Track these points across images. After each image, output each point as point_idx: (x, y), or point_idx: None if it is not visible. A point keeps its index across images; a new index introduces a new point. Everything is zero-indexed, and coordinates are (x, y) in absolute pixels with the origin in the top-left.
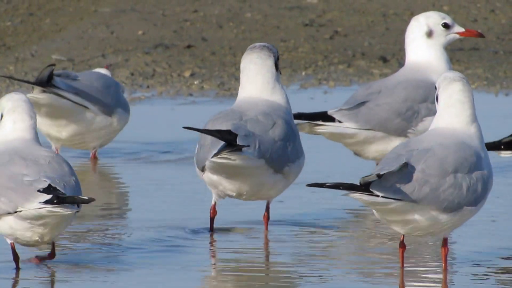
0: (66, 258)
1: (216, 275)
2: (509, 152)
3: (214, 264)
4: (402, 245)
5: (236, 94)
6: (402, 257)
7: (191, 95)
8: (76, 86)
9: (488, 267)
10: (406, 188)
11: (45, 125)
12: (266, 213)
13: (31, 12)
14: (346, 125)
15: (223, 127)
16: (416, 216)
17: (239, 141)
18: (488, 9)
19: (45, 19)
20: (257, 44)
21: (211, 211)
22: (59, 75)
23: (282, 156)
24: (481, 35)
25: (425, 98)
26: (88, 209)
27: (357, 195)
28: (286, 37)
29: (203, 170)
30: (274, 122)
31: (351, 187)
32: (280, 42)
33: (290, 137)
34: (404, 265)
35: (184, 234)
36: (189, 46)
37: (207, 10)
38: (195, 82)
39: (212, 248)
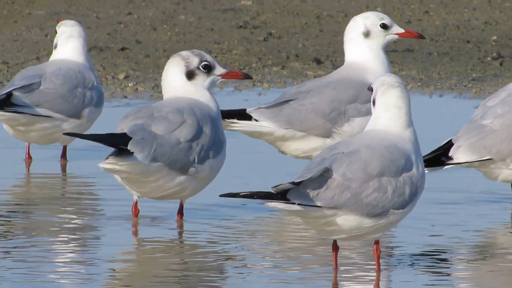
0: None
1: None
2: (429, 168)
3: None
4: (335, 247)
5: None
6: (336, 258)
7: (125, 97)
8: (37, 97)
9: (421, 268)
10: (326, 194)
11: (10, 130)
12: (178, 214)
13: None
14: (262, 124)
15: (125, 128)
16: (340, 222)
17: (131, 146)
18: (422, 11)
19: None
20: (183, 51)
21: (133, 210)
22: (22, 87)
23: (186, 157)
24: (421, 36)
25: (355, 98)
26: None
27: (273, 204)
28: (220, 39)
29: None
30: (184, 120)
31: (266, 196)
32: (214, 44)
33: (201, 137)
34: (338, 266)
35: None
36: (123, 49)
37: (141, 12)
38: (130, 85)
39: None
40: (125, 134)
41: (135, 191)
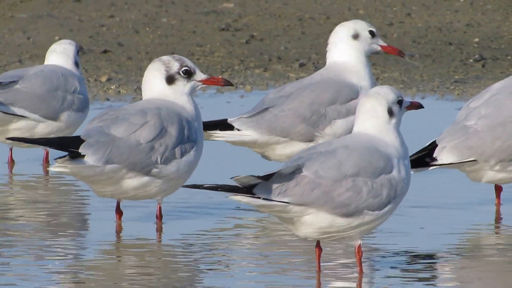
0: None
1: None
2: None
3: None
4: (319, 249)
5: None
6: (319, 259)
7: (108, 99)
8: (12, 95)
9: (404, 270)
10: (295, 190)
11: None
12: (157, 213)
13: None
14: (244, 133)
15: (82, 132)
16: (310, 220)
17: (82, 149)
18: (404, 13)
19: None
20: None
21: (116, 211)
22: None
23: (147, 158)
24: (400, 54)
25: (334, 100)
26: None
27: (238, 198)
28: (202, 42)
29: None
30: (146, 121)
31: (231, 189)
32: (196, 46)
33: (164, 137)
34: (321, 267)
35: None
36: (105, 51)
37: (123, 15)
38: (112, 87)
39: None
40: (78, 137)
41: (99, 192)
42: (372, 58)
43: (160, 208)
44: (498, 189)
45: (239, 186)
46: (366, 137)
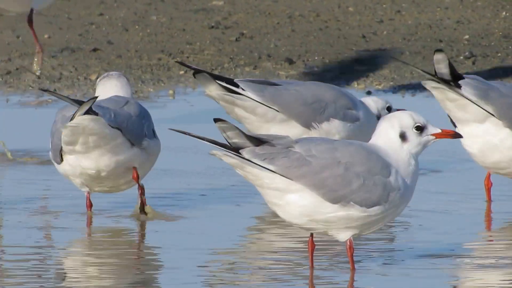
0: None
1: None
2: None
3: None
4: (311, 244)
5: (143, 97)
6: (312, 256)
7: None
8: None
9: (399, 267)
10: (282, 161)
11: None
12: (140, 213)
13: None
14: (249, 95)
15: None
16: (295, 199)
17: (94, 108)
18: (394, 10)
19: None
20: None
21: (87, 203)
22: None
23: (139, 129)
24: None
25: (335, 99)
26: None
27: (221, 153)
28: (192, 40)
29: (61, 157)
30: (127, 101)
31: (216, 143)
32: (186, 44)
33: (146, 117)
34: (314, 264)
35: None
36: (95, 49)
37: (113, 13)
38: None
39: None
40: (82, 101)
41: (88, 168)
42: (361, 55)
43: (142, 201)
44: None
45: (226, 144)
46: (372, 145)
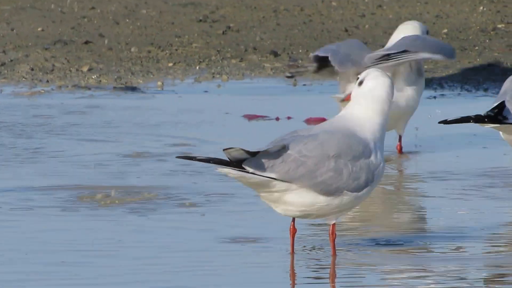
0: None
1: None
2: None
3: None
4: (293, 229)
5: (132, 88)
6: (293, 240)
7: (89, 89)
8: None
9: (375, 251)
10: (281, 167)
11: None
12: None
13: None
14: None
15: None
16: (293, 197)
17: None
18: (376, 4)
19: None
20: None
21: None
22: None
23: None
24: None
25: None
26: None
27: (226, 170)
28: (181, 33)
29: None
30: None
31: (221, 162)
32: (175, 37)
33: None
34: (295, 249)
35: None
36: (87, 42)
37: (104, 7)
38: (93, 77)
39: None
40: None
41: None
42: None
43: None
44: None
45: (229, 159)
46: (344, 122)
